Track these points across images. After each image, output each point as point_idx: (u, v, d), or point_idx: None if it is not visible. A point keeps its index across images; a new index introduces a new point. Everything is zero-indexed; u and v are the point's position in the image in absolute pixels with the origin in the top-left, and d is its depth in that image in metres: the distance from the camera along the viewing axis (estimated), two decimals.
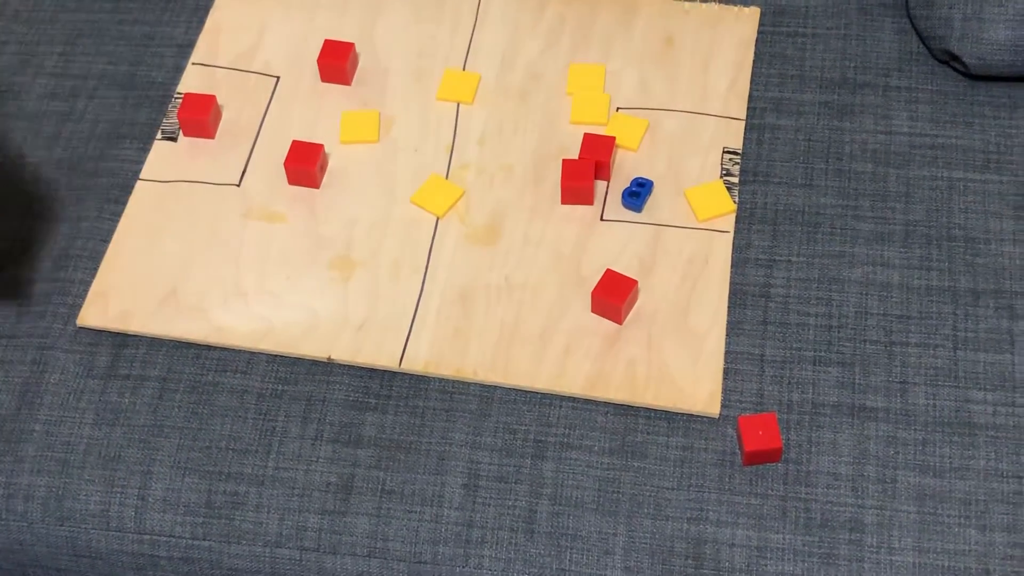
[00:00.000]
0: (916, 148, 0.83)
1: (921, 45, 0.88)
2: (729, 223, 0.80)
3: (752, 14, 0.89)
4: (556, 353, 0.75)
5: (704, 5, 0.90)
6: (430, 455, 0.73)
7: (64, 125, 0.88)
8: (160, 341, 0.78)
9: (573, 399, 0.74)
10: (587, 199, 0.81)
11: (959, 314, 0.76)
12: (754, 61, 0.87)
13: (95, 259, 0.81)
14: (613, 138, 0.82)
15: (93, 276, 0.80)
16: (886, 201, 0.81)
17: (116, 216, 0.83)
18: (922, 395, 0.74)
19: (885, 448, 0.72)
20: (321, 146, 0.82)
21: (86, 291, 0.80)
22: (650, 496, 0.71)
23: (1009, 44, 0.83)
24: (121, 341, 0.78)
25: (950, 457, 0.72)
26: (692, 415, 0.73)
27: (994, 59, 0.84)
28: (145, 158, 0.85)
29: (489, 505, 0.72)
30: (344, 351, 0.76)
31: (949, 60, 0.86)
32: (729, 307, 0.77)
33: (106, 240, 0.82)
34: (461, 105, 0.86)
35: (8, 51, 0.92)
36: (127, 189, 0.84)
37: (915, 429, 0.72)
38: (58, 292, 0.80)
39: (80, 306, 0.79)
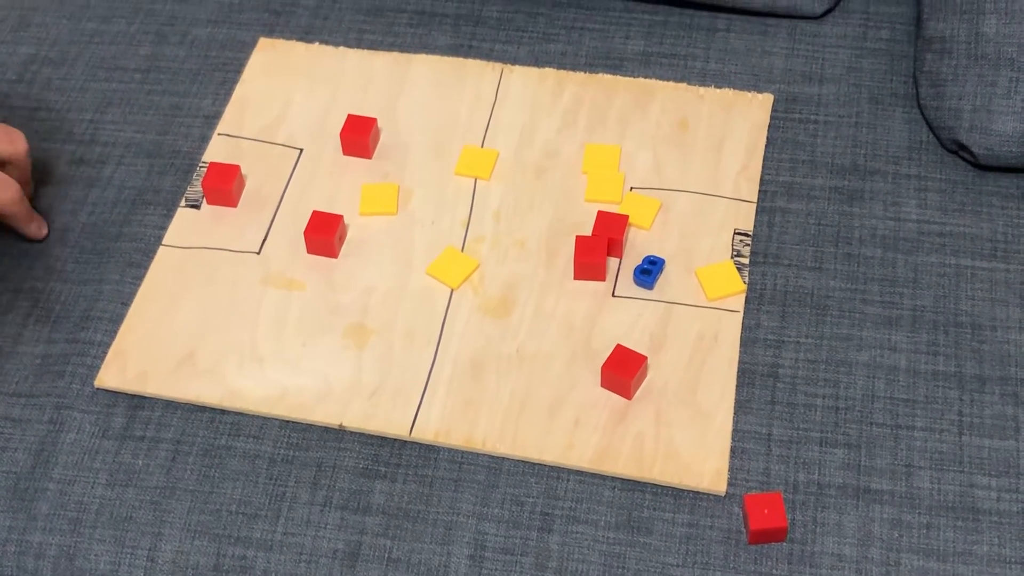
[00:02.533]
0: (925, 235, 0.84)
1: (931, 134, 0.90)
2: (739, 303, 0.81)
3: (765, 100, 0.91)
4: (565, 426, 0.76)
5: (718, 90, 0.92)
6: (437, 525, 0.74)
7: (91, 191, 0.90)
8: (175, 404, 0.79)
9: (581, 472, 0.75)
10: (599, 275, 0.82)
11: (965, 400, 0.77)
12: (766, 146, 0.89)
13: (115, 321, 0.83)
14: (626, 216, 0.83)
15: (113, 338, 0.82)
16: (894, 286, 0.82)
17: (137, 280, 0.85)
18: (927, 479, 0.74)
19: (889, 531, 0.72)
20: (340, 217, 0.84)
21: (105, 352, 0.81)
22: (655, 572, 0.72)
23: (1017, 136, 0.85)
24: (137, 403, 0.79)
25: (954, 541, 0.72)
26: (698, 492, 0.74)
27: (1002, 150, 0.86)
28: (168, 224, 0.87)
29: None
30: (356, 418, 0.77)
31: (958, 150, 0.88)
32: (737, 386, 0.78)
33: (127, 303, 0.83)
34: (478, 180, 0.88)
35: (39, 117, 0.95)
36: (149, 254, 0.86)
37: (919, 512, 0.73)
38: (77, 353, 0.81)
39: (99, 367, 0.81)
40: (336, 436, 0.77)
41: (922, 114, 0.91)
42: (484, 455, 0.76)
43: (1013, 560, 0.71)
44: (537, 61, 0.95)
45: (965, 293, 0.82)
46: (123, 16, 1.01)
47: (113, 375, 0.80)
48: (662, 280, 0.82)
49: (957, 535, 0.72)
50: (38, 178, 0.91)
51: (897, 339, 0.80)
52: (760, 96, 0.92)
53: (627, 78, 0.93)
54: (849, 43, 0.95)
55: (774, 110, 0.91)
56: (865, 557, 0.71)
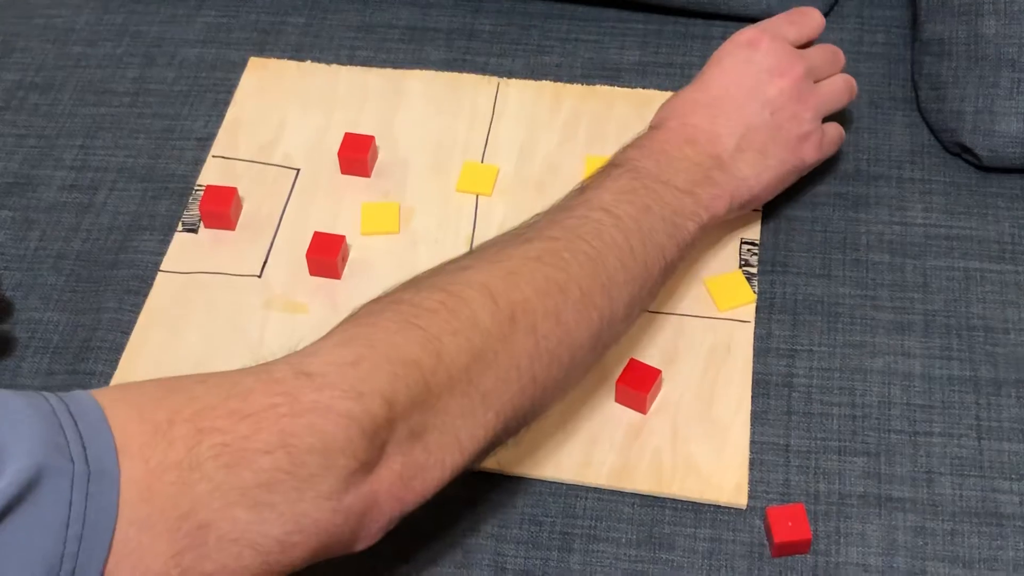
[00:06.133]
0: (931, 239, 0.84)
1: (932, 137, 0.89)
2: (750, 313, 0.80)
3: None
4: (581, 443, 0.75)
5: None
6: (455, 547, 0.72)
7: (84, 217, 0.88)
8: None
9: (599, 490, 0.74)
10: None
11: (981, 403, 0.76)
12: None
13: (116, 351, 0.81)
14: None
15: (114, 368, 0.80)
16: (904, 291, 0.81)
17: (137, 308, 0.83)
18: (948, 485, 0.73)
19: (914, 539, 0.71)
20: (343, 237, 0.83)
21: (107, 383, 0.79)
22: None
23: (1021, 136, 0.85)
24: None
25: (979, 547, 0.71)
26: (719, 506, 0.73)
27: (1006, 151, 0.85)
28: (165, 250, 0.86)
29: None
30: None
31: (961, 152, 0.88)
32: (752, 397, 0.77)
33: (127, 332, 0.82)
34: (480, 196, 0.87)
35: (27, 144, 0.93)
36: (147, 281, 0.84)
37: (943, 519, 0.72)
38: (79, 384, 0.79)
39: None
40: None
41: (923, 117, 0.90)
42: (500, 475, 0.75)
43: None
44: (533, 73, 0.95)
45: (976, 296, 0.81)
46: (109, 39, 1.00)
47: None
48: (672, 292, 0.81)
49: (982, 541, 0.71)
50: (31, 205, 0.89)
51: (910, 344, 0.79)
52: None
53: (625, 89, 0.93)
54: (845, 48, 0.94)
55: None
56: (890, 567, 0.71)
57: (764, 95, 0.78)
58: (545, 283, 0.66)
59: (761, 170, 0.78)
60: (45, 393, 0.54)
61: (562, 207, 0.72)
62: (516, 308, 0.64)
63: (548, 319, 0.65)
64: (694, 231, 0.74)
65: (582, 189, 0.73)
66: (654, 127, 0.79)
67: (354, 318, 0.64)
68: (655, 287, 0.73)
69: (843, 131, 0.85)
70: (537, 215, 0.72)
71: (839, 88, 0.83)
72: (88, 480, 0.52)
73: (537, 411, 0.67)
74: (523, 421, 0.66)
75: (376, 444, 0.58)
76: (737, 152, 0.77)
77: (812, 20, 0.83)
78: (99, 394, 0.56)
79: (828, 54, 0.84)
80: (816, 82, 0.82)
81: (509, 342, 0.64)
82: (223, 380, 0.58)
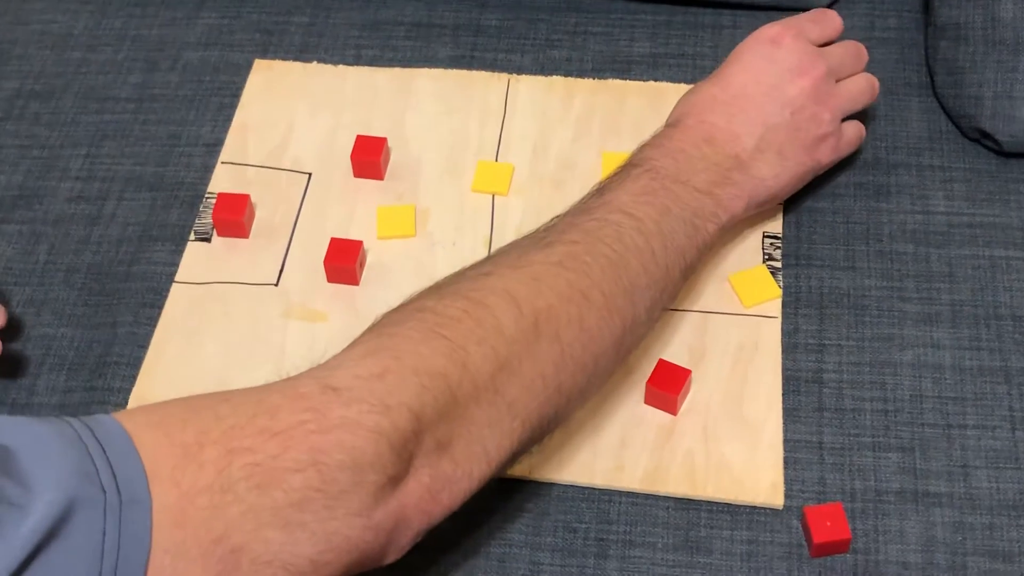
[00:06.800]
0: (955, 227, 0.83)
1: (949, 123, 0.88)
2: (776, 308, 0.79)
3: None
4: (612, 447, 0.74)
5: None
6: (490, 557, 0.71)
7: (94, 228, 0.87)
8: None
9: (632, 494, 0.73)
10: None
11: (1014, 394, 0.76)
12: None
13: (134, 365, 0.79)
14: None
15: (132, 383, 0.78)
16: (930, 282, 0.81)
17: (152, 321, 0.81)
18: (984, 478, 0.73)
19: (952, 534, 0.71)
20: (360, 243, 0.81)
21: (126, 399, 0.78)
22: None
23: None
24: None
25: (1018, 540, 0.71)
26: (755, 507, 0.72)
27: None
28: (178, 260, 0.84)
29: None
30: None
31: (980, 138, 0.87)
32: (783, 394, 0.76)
33: (144, 345, 0.80)
34: (496, 196, 0.86)
35: (31, 155, 0.91)
36: (162, 292, 0.83)
37: (981, 513, 0.71)
38: (97, 401, 0.78)
39: None
40: None
41: (939, 103, 0.89)
42: (531, 482, 0.74)
43: None
44: (543, 69, 0.93)
45: (1002, 284, 0.80)
46: (109, 44, 0.98)
47: None
48: (696, 289, 0.80)
49: (1021, 534, 0.71)
50: (37, 217, 0.87)
51: (939, 336, 0.78)
52: None
53: (637, 82, 0.91)
54: (858, 34, 0.93)
55: None
56: (931, 563, 0.70)
57: (785, 95, 0.77)
58: (568, 289, 0.65)
59: (779, 171, 0.77)
60: (68, 418, 0.53)
61: (581, 209, 0.71)
62: (540, 315, 0.63)
63: (572, 326, 0.64)
64: (713, 232, 0.74)
65: (601, 190, 0.72)
66: (671, 124, 0.78)
67: (377, 327, 0.63)
68: (675, 289, 0.72)
69: (863, 131, 0.84)
70: (556, 217, 0.71)
71: (861, 88, 0.82)
72: (120, 509, 0.51)
73: (561, 418, 0.66)
74: (547, 428, 0.66)
75: (404, 457, 0.57)
76: (756, 152, 0.76)
77: (833, 20, 0.82)
78: (123, 417, 0.54)
79: (851, 51, 0.83)
80: (838, 81, 0.81)
81: (534, 350, 0.63)
82: (248, 397, 0.57)
